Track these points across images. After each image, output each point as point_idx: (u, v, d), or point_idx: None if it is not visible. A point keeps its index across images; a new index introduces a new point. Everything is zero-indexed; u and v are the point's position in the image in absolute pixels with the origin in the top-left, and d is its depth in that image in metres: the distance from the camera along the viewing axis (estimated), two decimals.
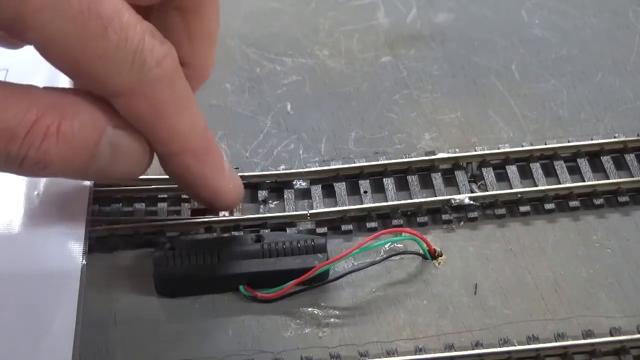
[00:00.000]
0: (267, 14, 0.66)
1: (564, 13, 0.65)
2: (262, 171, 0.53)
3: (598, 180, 0.52)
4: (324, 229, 0.50)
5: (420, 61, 0.61)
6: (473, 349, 0.44)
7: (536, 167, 0.53)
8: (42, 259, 0.44)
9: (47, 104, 0.37)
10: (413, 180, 0.52)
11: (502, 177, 0.53)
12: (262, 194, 0.52)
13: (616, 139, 0.54)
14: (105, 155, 0.39)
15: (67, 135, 0.38)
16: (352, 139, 0.56)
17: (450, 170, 0.53)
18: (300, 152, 0.55)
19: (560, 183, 0.52)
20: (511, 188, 0.52)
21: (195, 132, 0.42)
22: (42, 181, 0.48)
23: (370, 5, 0.66)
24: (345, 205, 0.51)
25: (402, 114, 0.57)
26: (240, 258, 0.46)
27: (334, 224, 0.50)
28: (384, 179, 0.52)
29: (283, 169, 0.53)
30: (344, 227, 0.50)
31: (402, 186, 0.52)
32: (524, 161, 0.53)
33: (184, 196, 0.51)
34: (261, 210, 0.51)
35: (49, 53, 0.37)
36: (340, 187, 0.52)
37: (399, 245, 0.49)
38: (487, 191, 0.52)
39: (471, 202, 0.51)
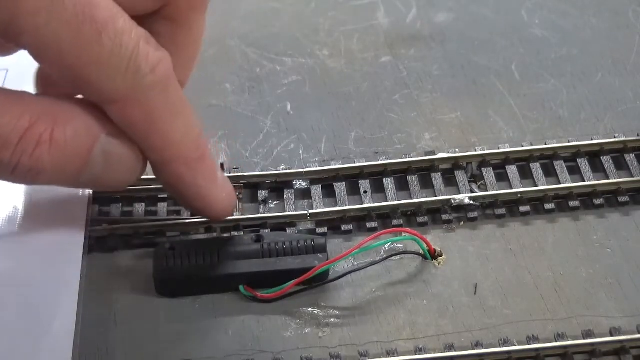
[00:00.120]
0: (267, 14, 0.66)
1: (564, 13, 0.65)
2: (262, 171, 0.53)
3: (598, 180, 0.52)
4: (324, 229, 0.50)
5: (420, 61, 0.61)
6: (473, 349, 0.44)
7: (536, 167, 0.53)
8: (42, 259, 0.44)
9: (40, 110, 0.37)
10: (413, 180, 0.52)
11: (502, 177, 0.53)
12: (262, 194, 0.52)
13: (616, 139, 0.54)
14: (98, 163, 0.39)
15: (60, 142, 0.38)
16: (352, 139, 0.56)
17: (450, 170, 0.53)
18: (300, 152, 0.55)
19: (560, 183, 0.52)
20: (511, 188, 0.52)
21: (189, 140, 0.41)
22: None
23: (370, 5, 0.66)
24: (345, 205, 0.51)
25: (402, 114, 0.57)
26: (240, 258, 0.46)
27: (334, 224, 0.50)
28: (384, 179, 0.52)
29: (283, 169, 0.53)
30: (344, 227, 0.50)
31: (402, 186, 0.52)
32: (524, 161, 0.53)
33: None
34: (261, 210, 0.51)
35: (43, 57, 0.37)
36: (340, 187, 0.52)
37: (399, 245, 0.49)
38: (487, 191, 0.52)
39: (471, 202, 0.51)
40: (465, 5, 0.66)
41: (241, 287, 0.46)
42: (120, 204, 0.50)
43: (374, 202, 0.51)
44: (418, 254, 0.48)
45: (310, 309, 0.46)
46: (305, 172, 0.53)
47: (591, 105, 0.58)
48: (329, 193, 0.52)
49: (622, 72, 0.60)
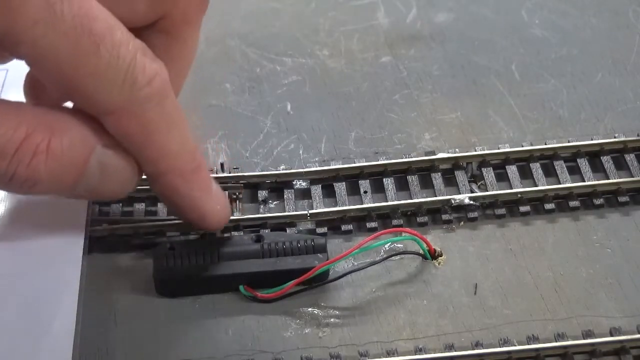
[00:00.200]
0: (267, 14, 0.66)
1: (564, 13, 0.65)
2: (262, 171, 0.53)
3: (598, 180, 0.52)
4: (324, 229, 0.50)
5: (420, 61, 0.61)
6: (473, 349, 0.44)
7: (536, 167, 0.53)
8: (42, 259, 0.44)
9: (36, 121, 0.37)
10: (413, 180, 0.52)
11: (502, 177, 0.53)
12: (262, 194, 0.52)
13: (616, 139, 0.54)
14: (94, 174, 0.40)
15: (57, 153, 0.38)
16: (352, 139, 0.56)
17: (450, 170, 0.53)
18: (300, 152, 0.55)
19: (560, 183, 0.52)
20: (511, 188, 0.52)
21: (184, 152, 0.42)
22: None
23: (370, 5, 0.66)
24: (345, 205, 0.51)
25: (402, 114, 0.57)
26: (240, 258, 0.46)
27: (334, 224, 0.50)
28: (384, 179, 0.52)
29: (283, 169, 0.53)
30: (344, 227, 0.50)
31: (402, 186, 0.52)
32: (524, 161, 0.53)
33: None
34: (261, 210, 0.51)
35: (40, 68, 0.37)
36: (340, 187, 0.52)
37: (399, 245, 0.49)
38: (487, 191, 0.52)
39: (471, 202, 0.51)
40: (465, 5, 0.66)
41: (241, 287, 0.46)
42: (120, 204, 0.50)
43: (374, 202, 0.51)
44: (418, 254, 0.48)
45: (310, 309, 0.46)
46: (305, 172, 0.53)
47: (591, 105, 0.58)
48: (329, 193, 0.52)
49: (622, 72, 0.60)
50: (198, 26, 0.45)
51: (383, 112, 0.58)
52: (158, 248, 0.47)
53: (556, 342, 0.44)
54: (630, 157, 0.53)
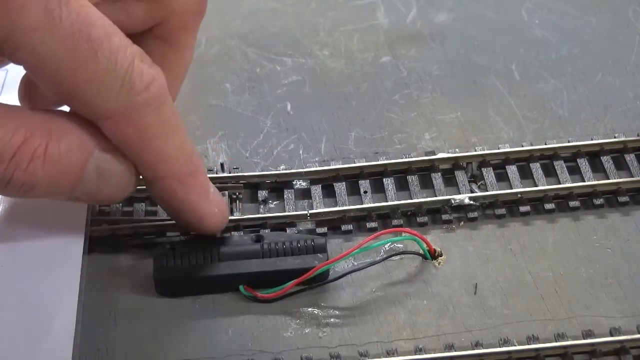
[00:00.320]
0: (267, 14, 0.66)
1: (564, 13, 0.65)
2: (262, 171, 0.53)
3: (598, 180, 0.52)
4: (324, 229, 0.50)
5: (420, 61, 0.61)
6: (473, 349, 0.44)
7: (536, 167, 0.53)
8: (42, 259, 0.44)
9: (34, 125, 0.37)
10: (413, 180, 0.52)
11: (502, 177, 0.53)
12: (262, 194, 0.52)
13: (616, 139, 0.54)
14: (91, 179, 0.40)
15: (54, 157, 0.38)
16: (352, 139, 0.56)
17: (450, 170, 0.53)
18: (300, 152, 0.55)
19: (560, 183, 0.52)
20: (511, 188, 0.52)
21: (182, 157, 0.42)
22: None
23: (370, 5, 0.66)
24: (345, 205, 0.51)
25: (402, 114, 0.57)
26: (240, 258, 0.46)
27: (334, 224, 0.50)
28: (384, 179, 0.52)
29: (283, 169, 0.53)
30: (344, 227, 0.50)
31: (402, 186, 0.52)
32: (524, 161, 0.53)
33: None
34: (261, 210, 0.51)
35: (38, 74, 0.37)
36: (340, 187, 0.52)
37: (399, 245, 0.49)
38: (487, 191, 0.52)
39: (471, 202, 0.51)
40: (465, 5, 0.66)
41: (241, 287, 0.46)
42: (120, 204, 0.50)
43: (374, 202, 0.51)
44: (418, 254, 0.48)
45: (310, 309, 0.46)
46: (305, 172, 0.53)
47: (591, 105, 0.58)
48: (329, 193, 0.52)
49: (622, 72, 0.60)
50: (195, 32, 0.45)
51: (383, 112, 0.58)
52: (158, 248, 0.47)
53: (556, 342, 0.44)
54: (630, 157, 0.53)
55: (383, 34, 0.64)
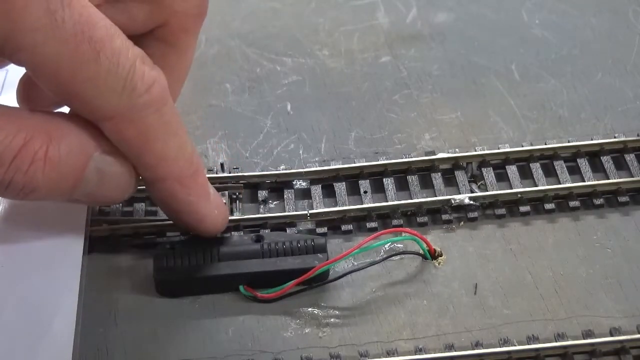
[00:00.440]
0: (267, 14, 0.66)
1: (564, 13, 0.65)
2: (262, 171, 0.53)
3: (598, 180, 0.52)
4: (324, 229, 0.50)
5: (420, 61, 0.61)
6: (473, 349, 0.44)
7: (536, 167, 0.53)
8: (42, 259, 0.44)
9: (35, 127, 0.37)
10: (413, 180, 0.52)
11: (502, 177, 0.53)
12: (262, 194, 0.52)
13: (616, 139, 0.54)
14: (91, 180, 0.40)
15: (54, 160, 0.38)
16: (352, 139, 0.56)
17: (450, 170, 0.53)
18: (300, 152, 0.55)
19: (560, 183, 0.52)
20: (511, 188, 0.52)
21: (182, 158, 0.42)
22: None
23: (370, 5, 0.66)
24: (345, 205, 0.51)
25: (402, 114, 0.57)
26: (240, 258, 0.46)
27: (334, 224, 0.50)
28: (384, 179, 0.52)
29: (283, 169, 0.53)
30: (344, 227, 0.50)
31: (402, 186, 0.52)
32: (524, 161, 0.53)
33: None
34: (261, 210, 0.51)
35: (39, 74, 0.37)
36: (340, 187, 0.52)
37: (399, 245, 0.49)
38: (487, 191, 0.52)
39: (471, 202, 0.51)
40: (465, 5, 0.66)
41: (241, 287, 0.46)
42: (120, 204, 0.50)
43: (374, 202, 0.51)
44: (418, 254, 0.48)
45: (310, 309, 0.46)
46: (305, 172, 0.53)
47: (591, 105, 0.58)
48: (329, 193, 0.52)
49: (622, 72, 0.60)
50: (196, 34, 0.45)
51: (383, 112, 0.58)
52: (158, 248, 0.47)
53: (556, 342, 0.44)
54: (630, 157, 0.53)
55: (383, 34, 0.64)
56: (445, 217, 0.51)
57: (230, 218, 0.49)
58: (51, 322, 0.41)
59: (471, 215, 0.51)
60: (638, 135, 0.54)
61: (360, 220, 0.51)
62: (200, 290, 0.46)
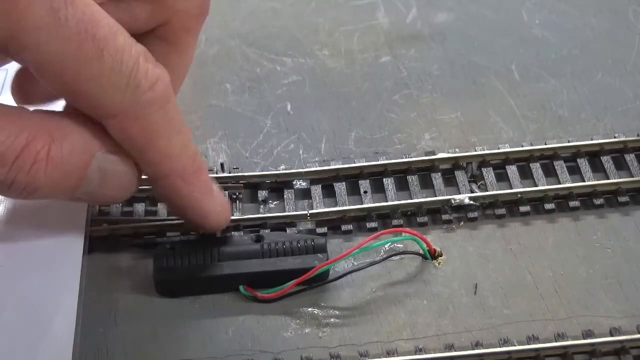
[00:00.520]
0: (267, 14, 0.66)
1: (564, 13, 0.65)
2: (262, 171, 0.53)
3: (598, 180, 0.52)
4: (324, 229, 0.50)
5: (420, 61, 0.61)
6: (473, 349, 0.44)
7: (536, 167, 0.53)
8: (42, 259, 0.44)
9: (37, 127, 0.37)
10: (413, 180, 0.52)
11: (502, 177, 0.53)
12: (262, 194, 0.52)
13: (616, 139, 0.54)
14: (93, 180, 0.40)
15: (57, 160, 0.38)
16: (352, 139, 0.56)
17: (450, 170, 0.53)
18: (300, 152, 0.55)
19: (560, 183, 0.52)
20: (511, 188, 0.52)
21: (186, 155, 0.42)
22: None
23: (370, 5, 0.66)
24: (345, 205, 0.51)
25: (402, 114, 0.57)
26: (240, 258, 0.46)
27: (334, 224, 0.50)
28: (384, 179, 0.52)
29: (283, 169, 0.53)
30: (344, 227, 0.50)
31: (402, 186, 0.52)
32: (524, 161, 0.53)
33: None
34: (261, 210, 0.51)
35: (43, 73, 0.37)
36: (340, 187, 0.52)
37: (399, 245, 0.49)
38: (487, 191, 0.52)
39: (471, 202, 0.51)
40: (465, 5, 0.66)
41: (241, 287, 0.46)
42: (120, 204, 0.50)
43: (374, 202, 0.51)
44: (418, 254, 0.48)
45: (310, 309, 0.46)
46: (305, 172, 0.53)
47: (591, 105, 0.58)
48: (329, 193, 0.52)
49: (622, 72, 0.60)
50: (197, 33, 0.45)
51: (383, 112, 0.58)
52: (158, 248, 0.47)
53: (556, 342, 0.44)
54: (630, 157, 0.53)
55: (383, 34, 0.64)
56: (445, 217, 0.51)
57: (230, 219, 0.49)
58: (51, 322, 0.41)
59: (471, 215, 0.51)
60: (638, 135, 0.54)
61: (360, 220, 0.51)
62: (200, 290, 0.46)
